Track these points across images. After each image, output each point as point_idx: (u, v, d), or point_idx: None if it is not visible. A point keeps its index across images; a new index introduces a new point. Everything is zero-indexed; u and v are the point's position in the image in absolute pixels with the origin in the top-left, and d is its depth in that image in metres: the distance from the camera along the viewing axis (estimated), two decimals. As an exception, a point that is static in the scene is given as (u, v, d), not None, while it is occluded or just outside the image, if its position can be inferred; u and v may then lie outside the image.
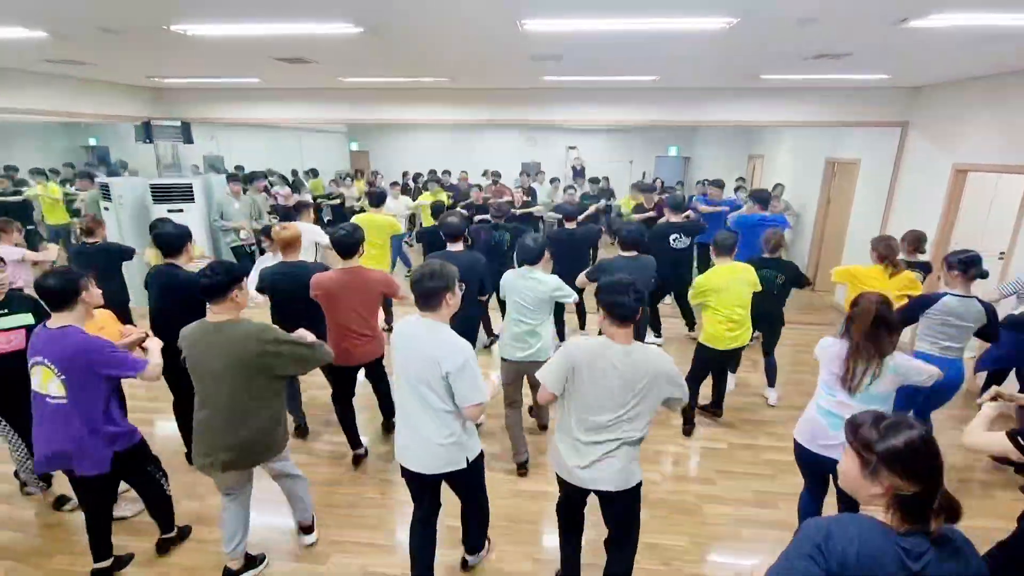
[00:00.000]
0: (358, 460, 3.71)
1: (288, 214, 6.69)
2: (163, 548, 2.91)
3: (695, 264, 6.52)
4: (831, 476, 2.56)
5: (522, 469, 3.58)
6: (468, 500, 2.61)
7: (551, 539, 2.85)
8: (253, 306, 3.05)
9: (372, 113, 7.20)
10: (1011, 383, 4.01)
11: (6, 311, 2.87)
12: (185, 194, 6.77)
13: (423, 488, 2.44)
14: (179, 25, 3.52)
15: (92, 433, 2.38)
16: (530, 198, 8.78)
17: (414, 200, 8.99)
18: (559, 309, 5.33)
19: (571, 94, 6.70)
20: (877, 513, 1.25)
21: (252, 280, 3.33)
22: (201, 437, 2.44)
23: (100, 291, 2.59)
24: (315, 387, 4.54)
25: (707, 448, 4.01)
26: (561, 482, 2.33)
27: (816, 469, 2.57)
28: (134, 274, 5.16)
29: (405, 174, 12.19)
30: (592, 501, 2.32)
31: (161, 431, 4.07)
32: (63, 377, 2.30)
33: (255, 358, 2.35)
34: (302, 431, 4.02)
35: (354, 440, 3.71)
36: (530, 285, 3.37)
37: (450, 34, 3.78)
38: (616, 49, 4.16)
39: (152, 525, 2.91)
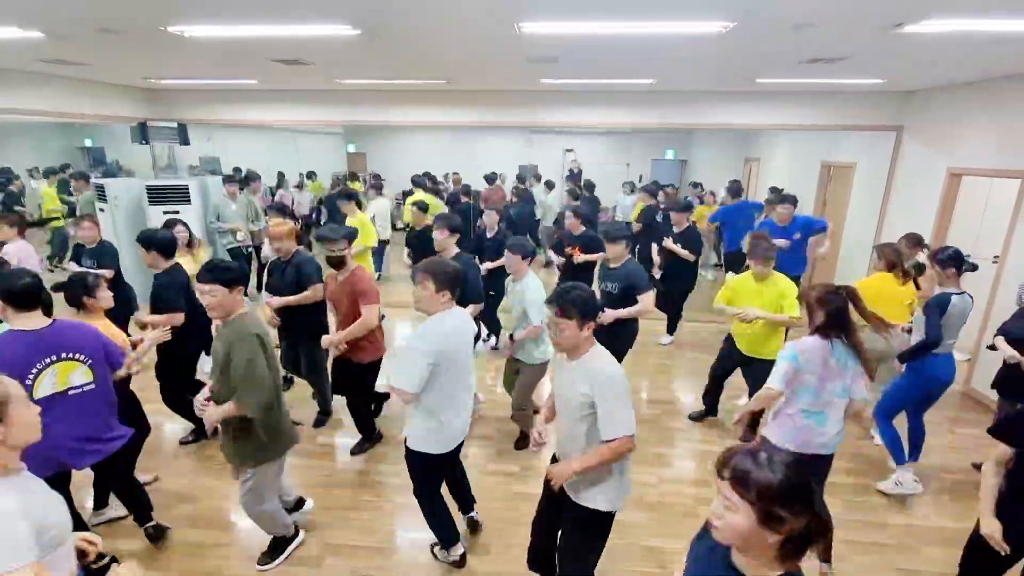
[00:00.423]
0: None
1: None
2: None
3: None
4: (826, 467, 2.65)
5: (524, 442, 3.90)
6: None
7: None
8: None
9: (369, 115, 7.20)
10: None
11: None
12: (181, 195, 6.75)
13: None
14: (176, 26, 3.52)
15: (111, 408, 2.58)
16: (523, 203, 8.73)
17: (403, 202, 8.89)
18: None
19: (568, 97, 6.71)
20: (749, 562, 1.13)
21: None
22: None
23: (111, 295, 2.88)
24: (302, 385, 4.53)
25: (703, 451, 4.01)
26: None
27: (812, 470, 2.58)
28: (133, 275, 5.13)
29: (376, 176, 11.64)
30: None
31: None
32: (89, 362, 2.43)
33: None
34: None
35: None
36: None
37: (447, 36, 3.79)
38: (613, 52, 4.18)
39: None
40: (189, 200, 6.79)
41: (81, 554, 1.59)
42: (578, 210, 5.25)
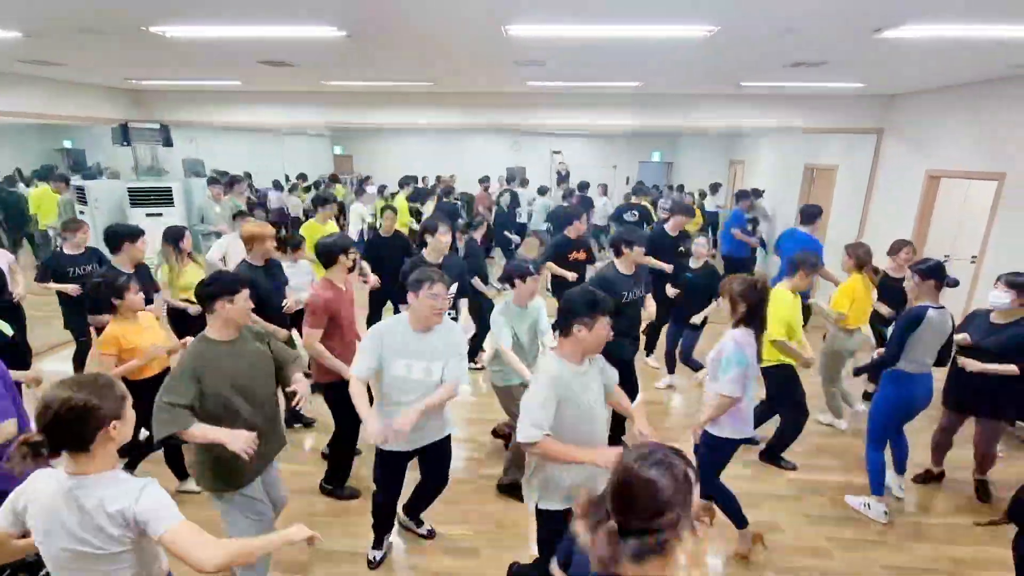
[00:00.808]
0: None
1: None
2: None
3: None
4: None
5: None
6: None
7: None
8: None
9: (355, 117, 7.16)
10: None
11: None
12: (164, 198, 6.66)
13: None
14: (157, 26, 3.47)
15: None
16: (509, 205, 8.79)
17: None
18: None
19: (555, 99, 6.74)
20: None
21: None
22: None
23: (143, 296, 2.88)
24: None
25: (687, 452, 4.03)
26: None
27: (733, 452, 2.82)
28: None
29: (362, 180, 11.37)
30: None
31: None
32: None
33: None
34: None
35: None
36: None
37: (434, 38, 3.78)
38: (599, 55, 4.20)
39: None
40: (172, 203, 6.70)
41: None
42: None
